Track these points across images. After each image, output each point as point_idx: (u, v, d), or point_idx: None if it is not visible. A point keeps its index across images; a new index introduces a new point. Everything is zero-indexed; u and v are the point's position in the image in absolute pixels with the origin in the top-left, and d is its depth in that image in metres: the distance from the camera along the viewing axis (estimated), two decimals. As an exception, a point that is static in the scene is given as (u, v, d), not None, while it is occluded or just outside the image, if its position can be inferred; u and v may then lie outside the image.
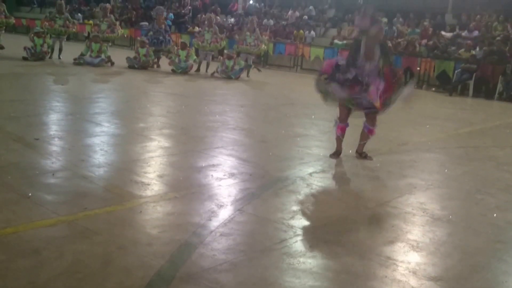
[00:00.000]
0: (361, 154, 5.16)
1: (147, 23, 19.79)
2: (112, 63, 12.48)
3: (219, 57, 13.37)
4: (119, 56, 13.20)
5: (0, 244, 2.72)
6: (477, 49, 12.99)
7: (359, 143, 5.16)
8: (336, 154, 5.13)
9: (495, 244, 3.33)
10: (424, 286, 2.66)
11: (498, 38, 13.09)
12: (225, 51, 12.72)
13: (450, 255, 3.10)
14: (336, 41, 16.00)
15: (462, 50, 12.96)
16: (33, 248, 2.70)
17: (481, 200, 4.21)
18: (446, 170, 5.14)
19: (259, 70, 13.10)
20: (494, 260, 3.07)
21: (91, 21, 14.49)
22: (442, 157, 5.82)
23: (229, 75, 11.86)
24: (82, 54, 12.22)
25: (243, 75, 12.44)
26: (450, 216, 3.75)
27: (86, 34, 18.28)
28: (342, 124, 5.05)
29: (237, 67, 12.00)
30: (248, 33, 12.95)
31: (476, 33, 14.01)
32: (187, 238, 2.99)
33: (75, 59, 12.10)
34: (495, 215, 3.86)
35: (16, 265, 2.52)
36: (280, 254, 2.88)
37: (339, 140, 5.13)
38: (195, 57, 12.58)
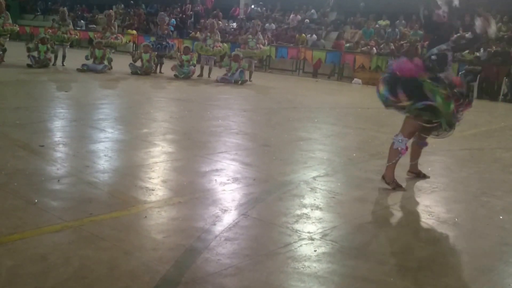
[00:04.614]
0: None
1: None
2: (110, 68, 12.55)
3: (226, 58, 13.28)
4: (122, 62, 13.27)
5: (8, 250, 2.74)
6: (481, 50, 12.96)
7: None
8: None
9: (502, 247, 3.31)
10: (430, 289, 2.66)
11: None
12: (233, 53, 12.62)
13: (456, 258, 3.09)
14: (338, 44, 16.03)
15: (466, 51, 12.92)
16: (40, 254, 2.71)
17: (487, 203, 4.20)
18: (451, 173, 5.12)
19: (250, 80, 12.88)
20: (501, 263, 3.06)
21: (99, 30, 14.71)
22: (447, 159, 5.80)
23: (230, 80, 11.89)
24: (86, 58, 12.26)
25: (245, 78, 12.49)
26: (456, 219, 3.74)
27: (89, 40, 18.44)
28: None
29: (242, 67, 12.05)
30: (250, 36, 13.00)
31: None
32: (192, 243, 2.99)
33: (83, 65, 12.17)
34: (501, 217, 3.85)
35: (23, 270, 2.53)
36: (285, 258, 2.88)
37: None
38: (194, 62, 12.62)
